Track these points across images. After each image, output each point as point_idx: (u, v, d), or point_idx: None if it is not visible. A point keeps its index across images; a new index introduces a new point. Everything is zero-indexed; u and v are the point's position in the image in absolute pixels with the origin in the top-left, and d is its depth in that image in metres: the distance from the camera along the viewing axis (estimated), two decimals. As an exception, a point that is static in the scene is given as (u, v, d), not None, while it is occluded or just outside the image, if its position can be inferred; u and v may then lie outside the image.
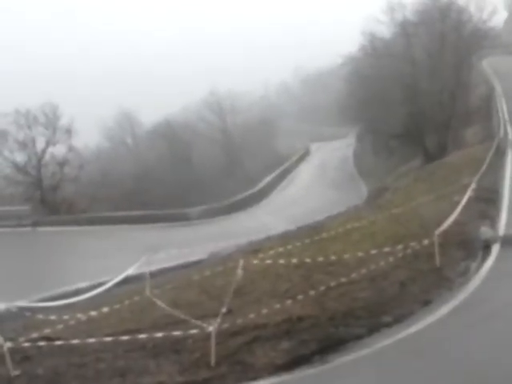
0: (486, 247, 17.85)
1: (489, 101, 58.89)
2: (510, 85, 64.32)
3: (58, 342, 13.06)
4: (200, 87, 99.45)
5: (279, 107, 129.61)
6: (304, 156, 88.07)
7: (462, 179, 25.08)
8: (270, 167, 72.26)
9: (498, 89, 63.48)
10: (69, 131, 55.67)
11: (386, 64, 52.36)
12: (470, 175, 25.30)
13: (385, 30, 56.65)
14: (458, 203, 19.84)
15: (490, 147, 34.77)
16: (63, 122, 55.72)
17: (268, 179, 65.06)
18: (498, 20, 72.58)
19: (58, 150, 55.77)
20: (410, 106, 48.83)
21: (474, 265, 16.53)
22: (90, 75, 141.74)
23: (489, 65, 77.90)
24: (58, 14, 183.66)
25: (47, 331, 13.92)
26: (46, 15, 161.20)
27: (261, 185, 61.97)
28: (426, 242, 16.44)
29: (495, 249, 17.73)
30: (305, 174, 73.99)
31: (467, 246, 17.62)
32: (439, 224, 17.46)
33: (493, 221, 20.96)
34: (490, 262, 16.79)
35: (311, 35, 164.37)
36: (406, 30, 53.05)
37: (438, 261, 16.07)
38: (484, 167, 28.16)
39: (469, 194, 21.36)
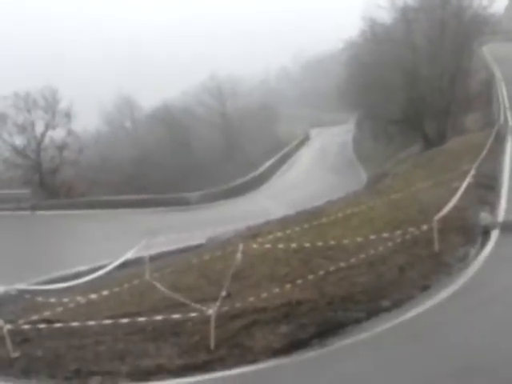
0: (486, 233, 17.87)
1: (489, 87, 58.74)
2: (510, 71, 64.15)
3: (58, 325, 13.12)
4: (200, 72, 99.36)
5: (279, 92, 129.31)
6: (304, 141, 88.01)
7: (462, 165, 25.05)
8: (270, 152, 72.23)
9: (498, 75, 63.27)
10: (68, 115, 55.55)
11: (386, 49, 52.18)
12: (470, 161, 25.27)
13: (385, 16, 56.46)
14: (457, 189, 19.84)
15: (489, 134, 34.70)
16: (62, 105, 55.62)
17: (268, 164, 65.08)
18: (499, 6, 72.25)
19: (58, 134, 55.72)
20: (410, 91, 48.71)
21: (473, 250, 16.57)
22: (89, 59, 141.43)
23: (489, 51, 77.62)
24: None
25: (47, 314, 13.99)
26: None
27: (260, 169, 61.98)
28: (424, 227, 16.48)
29: (494, 234, 17.75)
30: (304, 159, 73.96)
31: (466, 232, 17.65)
32: (438, 210, 17.48)
33: (492, 207, 20.95)
34: (489, 247, 16.82)
35: (311, 20, 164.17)
36: (406, 15, 52.83)
37: (436, 246, 16.10)
38: (484, 153, 28.12)
39: (468, 180, 21.35)
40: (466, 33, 50.24)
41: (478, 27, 53.26)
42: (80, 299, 15.17)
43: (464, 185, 20.40)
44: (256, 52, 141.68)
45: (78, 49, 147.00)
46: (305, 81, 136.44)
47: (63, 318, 13.66)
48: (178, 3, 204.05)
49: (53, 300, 15.19)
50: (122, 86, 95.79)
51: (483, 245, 17.05)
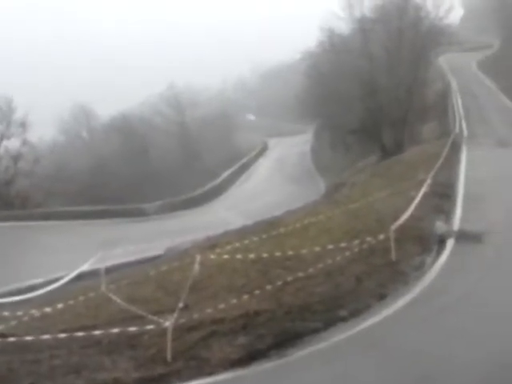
0: (441, 242, 18.09)
1: (445, 97, 59.77)
2: (465, 81, 65.54)
3: (11, 339, 12.84)
4: (158, 82, 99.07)
5: (237, 102, 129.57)
6: (262, 151, 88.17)
7: (418, 175, 25.37)
8: (229, 162, 72.21)
9: (454, 85, 64.50)
10: (23, 124, 54.76)
11: (344, 60, 52.56)
12: (426, 171, 25.60)
13: (343, 26, 56.91)
14: (413, 198, 20.08)
15: (445, 143, 35.24)
16: (18, 115, 54.83)
17: (226, 174, 65.02)
18: (455, 17, 73.76)
19: (12, 144, 54.85)
20: (368, 101, 49.09)
21: (429, 259, 16.75)
22: (45, 67, 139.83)
23: (445, 61, 79.06)
24: (17, 4, 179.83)
25: (0, 328, 13.70)
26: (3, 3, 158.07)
27: (219, 179, 61.90)
28: (381, 236, 16.60)
29: (450, 243, 17.97)
30: (263, 169, 74.07)
31: (422, 241, 17.83)
32: (395, 219, 17.65)
33: (448, 216, 21.23)
34: (444, 256, 17.02)
35: (270, 31, 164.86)
36: (364, 26, 53.29)
37: (393, 255, 16.22)
38: (440, 163, 28.52)
39: (424, 189, 21.64)
40: (422, 43, 50.85)
41: (435, 38, 53.98)
42: (34, 312, 14.88)
43: (420, 194, 20.66)
44: (213, 63, 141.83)
45: (34, 57, 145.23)
46: (263, 91, 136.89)
47: (17, 332, 13.40)
48: (138, 14, 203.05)
49: (6, 313, 14.90)
50: (79, 95, 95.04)
51: (439, 253, 17.25)
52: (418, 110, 51.02)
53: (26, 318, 14.50)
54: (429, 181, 23.01)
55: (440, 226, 19.21)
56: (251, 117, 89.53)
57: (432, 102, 56.31)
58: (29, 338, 12.67)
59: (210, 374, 11.22)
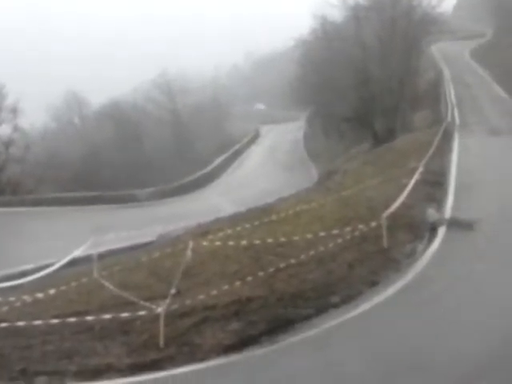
0: (433, 229, 18.15)
1: (437, 86, 59.78)
2: (457, 70, 65.57)
3: (3, 325, 12.83)
4: (150, 70, 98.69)
5: (230, 89, 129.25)
6: (255, 138, 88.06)
7: (410, 162, 25.41)
8: (221, 149, 72.08)
9: (446, 74, 64.52)
10: (14, 110, 54.50)
11: (337, 48, 52.53)
12: (418, 159, 25.65)
13: (336, 14, 56.83)
14: (405, 186, 20.13)
15: (437, 131, 35.28)
16: (9, 101, 54.55)
17: (218, 161, 64.88)
18: (448, 6, 73.66)
19: (3, 130, 54.58)
20: (361, 89, 49.06)
21: (420, 247, 16.82)
22: (38, 53, 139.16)
23: (437, 50, 79.06)
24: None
25: (-8, 313, 13.70)
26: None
27: (211, 166, 61.76)
28: (373, 224, 16.65)
29: (441, 231, 18.03)
30: (255, 156, 73.96)
31: (414, 229, 17.90)
32: (387, 207, 17.71)
33: (439, 204, 21.29)
34: (436, 243, 17.09)
35: (263, 18, 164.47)
36: (357, 13, 53.21)
37: (385, 243, 16.29)
38: (431, 151, 28.56)
39: (416, 177, 21.68)
40: (415, 32, 50.82)
41: (427, 26, 53.92)
42: (26, 298, 14.88)
43: (412, 182, 20.71)
44: (207, 50, 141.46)
45: (25, 43, 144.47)
46: (256, 78, 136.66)
47: (9, 318, 13.37)
48: (131, 2, 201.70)
49: (-2, 299, 14.92)
50: (71, 82, 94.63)
51: (430, 241, 17.32)
52: (410, 99, 51.07)
53: (17, 304, 14.50)
54: (421, 169, 23.08)
55: (432, 213, 19.25)
56: (261, 106, 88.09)
57: (424, 91, 56.36)
58: (21, 324, 12.67)
59: (203, 359, 11.28)
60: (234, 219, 23.60)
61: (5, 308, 14.21)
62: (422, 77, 57.46)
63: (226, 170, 64.16)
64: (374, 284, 14.13)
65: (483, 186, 23.31)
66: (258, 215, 22.14)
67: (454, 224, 18.40)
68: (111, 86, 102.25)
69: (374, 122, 50.55)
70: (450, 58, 74.75)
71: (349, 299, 13.31)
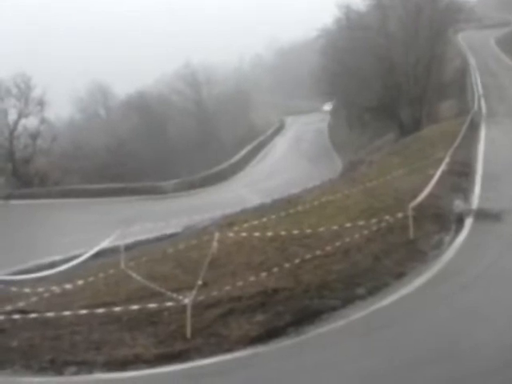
0: (460, 220, 18.01)
1: (463, 75, 59.15)
2: (483, 59, 64.77)
3: (33, 315, 13.00)
4: (174, 60, 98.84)
5: (254, 79, 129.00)
6: (279, 129, 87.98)
7: (437, 153, 25.18)
8: (245, 139, 72.10)
9: (473, 63, 63.78)
10: (41, 103, 54.92)
11: (360, 37, 52.14)
12: (444, 149, 25.42)
13: (360, 3, 56.51)
14: (431, 177, 19.96)
15: (464, 121, 34.95)
16: (36, 93, 54.96)
17: (243, 152, 64.93)
18: (473, -6, 72.81)
19: (31, 122, 55.06)
20: (385, 79, 48.77)
21: (447, 238, 16.70)
22: (63, 46, 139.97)
23: (464, 39, 78.19)
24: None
25: (21, 304, 13.88)
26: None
27: (236, 158, 61.83)
28: (399, 215, 16.58)
29: (468, 222, 17.88)
30: (280, 146, 73.94)
31: (441, 220, 17.79)
32: (413, 197, 17.59)
33: (466, 194, 21.12)
34: (463, 235, 16.94)
35: (286, 8, 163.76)
36: (381, 2, 52.87)
37: (411, 234, 16.21)
38: (458, 141, 28.33)
39: (443, 167, 21.49)
40: (440, 20, 50.30)
41: (453, 15, 53.36)
42: (55, 289, 15.06)
43: (439, 172, 20.53)
44: (230, 40, 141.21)
45: (52, 37, 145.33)
46: (279, 68, 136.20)
47: (38, 309, 13.55)
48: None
49: (27, 290, 15.07)
50: (96, 74, 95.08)
51: (457, 232, 17.17)
52: (436, 88, 50.59)
53: (46, 295, 14.68)
54: (447, 159, 22.87)
55: (458, 204, 19.15)
56: (327, 107, 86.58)
57: (450, 80, 55.74)
58: (50, 315, 12.83)
59: (229, 350, 11.33)
60: (260, 210, 23.65)
61: (34, 299, 14.39)
62: (448, 66, 56.87)
63: (251, 161, 64.21)
64: (400, 275, 14.07)
65: (510, 176, 23.08)
66: (284, 206, 22.16)
67: (481, 215, 18.25)
68: (136, 77, 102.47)
69: (399, 111, 50.20)
70: (476, 47, 73.84)
71: (375, 291, 13.28)
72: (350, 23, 56.42)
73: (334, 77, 54.96)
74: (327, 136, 77.40)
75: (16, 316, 13.07)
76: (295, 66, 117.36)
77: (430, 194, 18.51)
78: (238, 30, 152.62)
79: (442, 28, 51.17)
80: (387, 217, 16.69)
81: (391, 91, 48.91)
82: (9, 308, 13.53)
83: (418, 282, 13.71)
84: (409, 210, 16.55)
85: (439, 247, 16.00)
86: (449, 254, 15.56)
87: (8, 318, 12.96)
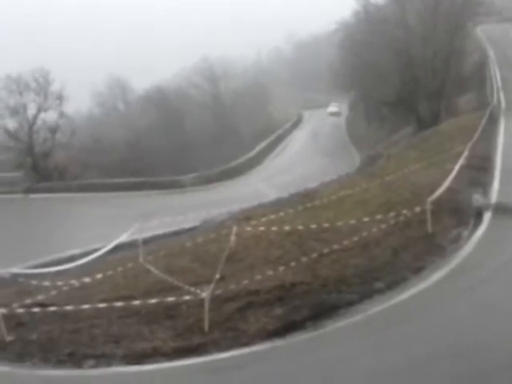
0: (478, 215, 17.91)
1: (482, 68, 58.68)
2: (503, 52, 64.12)
3: (52, 308, 13.12)
4: (192, 55, 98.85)
5: (272, 73, 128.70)
6: (297, 123, 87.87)
7: (455, 147, 25.04)
8: (263, 133, 72.05)
9: (492, 56, 63.23)
10: (60, 97, 55.16)
11: (379, 30, 51.87)
12: (463, 143, 25.28)
13: (379, -4, 56.29)
14: (450, 171, 19.86)
15: (483, 115, 34.73)
16: (54, 87, 55.20)
17: (261, 146, 64.93)
18: (493, -13, 72.04)
19: (50, 116, 55.31)
20: (403, 72, 48.49)
21: (465, 232, 16.61)
22: (81, 41, 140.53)
23: (483, 32, 77.49)
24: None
25: (41, 297, 14.00)
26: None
27: (254, 151, 61.84)
28: (418, 209, 16.52)
29: (487, 216, 17.77)
30: (298, 140, 73.86)
31: (459, 214, 17.69)
32: (431, 191, 17.51)
33: (485, 188, 20.97)
34: (481, 229, 16.85)
35: (304, 3, 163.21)
36: (399, -6, 52.56)
37: (430, 228, 16.15)
38: (477, 135, 28.15)
39: (461, 161, 21.38)
40: (459, 13, 49.89)
41: (472, 7, 52.93)
42: (74, 283, 15.19)
43: (457, 166, 20.42)
44: (249, 36, 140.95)
45: (70, 31, 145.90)
46: (297, 62, 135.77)
47: (57, 302, 13.66)
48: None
49: (46, 283, 15.21)
50: (114, 68, 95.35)
51: (476, 226, 17.08)
52: (455, 82, 50.19)
53: (65, 288, 14.81)
54: (466, 153, 22.74)
55: (477, 198, 19.02)
56: (333, 108, 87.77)
57: (469, 74, 55.32)
58: (69, 308, 12.94)
59: (247, 344, 11.37)
60: (277, 204, 23.66)
61: (53, 292, 14.52)
62: (467, 59, 56.44)
63: (269, 155, 64.19)
64: (418, 270, 14.03)
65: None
66: (301, 200, 22.16)
67: (500, 209, 18.13)
68: (154, 72, 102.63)
69: (417, 105, 49.92)
70: (496, 40, 73.15)
71: (393, 285, 13.25)
72: (369, 16, 56.12)
73: (352, 70, 54.75)
74: (345, 130, 77.18)
75: (35, 309, 13.21)
76: (313, 60, 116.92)
77: (449, 188, 18.43)
78: (256, 24, 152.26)
79: (460, 21, 50.72)
80: (405, 211, 16.64)
81: (409, 85, 48.62)
82: (28, 301, 13.66)
83: (436, 276, 13.66)
84: (427, 204, 16.48)
85: (458, 241, 15.93)
86: (467, 248, 15.48)
87: (27, 311, 13.10)
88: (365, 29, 55.35)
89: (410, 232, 16.20)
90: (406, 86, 48.68)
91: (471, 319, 11.18)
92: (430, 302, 12.34)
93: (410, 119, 51.34)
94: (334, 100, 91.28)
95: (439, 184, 18.26)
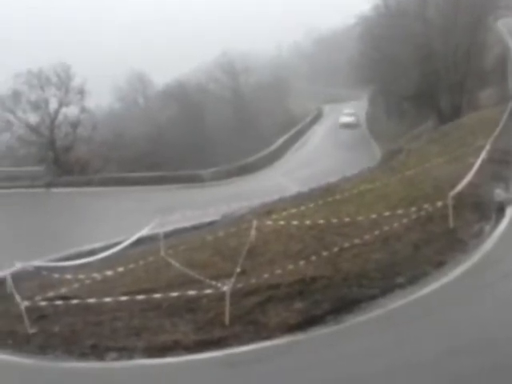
0: (500, 209, 17.77)
1: (504, 62, 58.15)
2: (525, 45, 63.46)
3: (74, 301, 13.27)
4: (212, 49, 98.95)
5: (291, 67, 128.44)
6: (317, 117, 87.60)
7: (477, 141, 24.85)
8: (283, 128, 71.86)
9: (514, 49, 62.64)
10: (81, 92, 55.31)
11: (399, 23, 51.54)
12: (485, 137, 25.06)
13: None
14: (472, 165, 19.72)
15: (504, 109, 34.44)
16: (76, 82, 55.42)
17: (281, 140, 64.79)
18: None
19: (71, 111, 55.51)
20: (424, 66, 48.11)
21: (487, 227, 16.51)
22: (102, 36, 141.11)
23: (505, 25, 76.77)
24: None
25: (63, 290, 14.16)
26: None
27: (274, 146, 61.72)
28: (439, 203, 16.43)
29: (509, 211, 17.63)
30: (318, 135, 73.64)
31: (481, 208, 17.58)
32: (453, 186, 17.41)
33: (507, 183, 20.81)
34: (503, 224, 16.74)
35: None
36: (420, -12, 52.18)
37: (451, 223, 16.07)
38: (499, 129, 27.92)
39: (483, 156, 21.22)
40: (480, 6, 49.44)
41: (493, 1, 52.43)
42: (96, 276, 15.33)
43: (479, 161, 20.28)
44: (268, 28, 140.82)
45: (90, 26, 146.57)
46: (317, 56, 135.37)
47: (79, 295, 13.81)
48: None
49: (69, 277, 15.37)
50: (135, 63, 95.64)
51: (498, 221, 16.97)
52: (476, 75, 49.76)
53: (88, 281, 14.95)
54: (488, 147, 22.56)
55: (499, 193, 18.85)
56: (347, 117, 75.97)
57: (491, 67, 54.79)
58: (91, 301, 13.06)
59: (267, 338, 11.42)
60: (298, 199, 23.63)
61: (76, 285, 14.66)
62: (488, 53, 55.93)
63: (289, 149, 64.03)
64: (440, 265, 13.97)
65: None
66: (322, 195, 22.14)
67: (523, 204, 18.01)
68: (174, 66, 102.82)
69: (438, 99, 49.58)
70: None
71: (414, 280, 13.22)
72: (388, 10, 55.84)
73: (372, 63, 54.46)
74: (365, 125, 76.82)
75: (58, 302, 13.35)
76: (333, 54, 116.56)
77: (470, 183, 18.31)
78: (275, 18, 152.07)
79: (481, 14, 50.25)
80: (426, 205, 16.57)
81: (430, 79, 48.26)
82: (51, 294, 13.81)
83: (458, 271, 13.61)
84: (448, 199, 16.39)
85: (479, 236, 15.84)
86: (489, 243, 15.39)
87: (50, 303, 13.24)
88: (384, 22, 55.04)
89: (432, 227, 16.13)
90: (426, 80, 48.33)
91: (493, 314, 11.13)
92: (451, 297, 12.30)
93: (431, 113, 51.01)
94: (353, 97, 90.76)
95: (461, 178, 18.15)
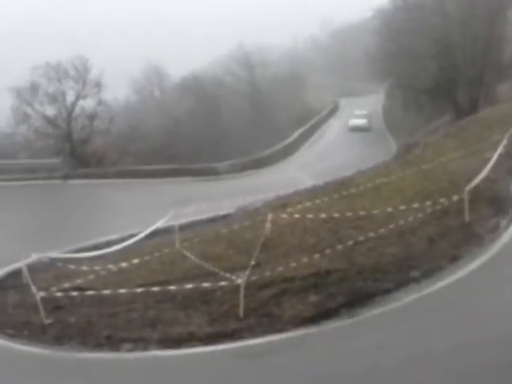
0: (517, 204, 17.67)
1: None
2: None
3: (90, 292, 13.36)
4: (228, 41, 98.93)
5: (307, 61, 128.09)
6: (333, 111, 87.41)
7: (494, 135, 24.67)
8: (299, 121, 71.79)
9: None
10: (98, 84, 55.50)
11: (416, 16, 51.15)
12: (502, 131, 24.87)
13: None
14: (488, 160, 19.60)
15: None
16: (93, 75, 55.62)
17: (297, 134, 64.71)
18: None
19: (88, 104, 55.73)
20: (441, 59, 47.82)
21: (503, 221, 16.38)
22: (118, 28, 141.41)
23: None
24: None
25: (79, 281, 14.27)
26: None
27: (290, 139, 61.66)
28: (455, 198, 16.37)
29: (526, 206, 17.54)
30: (334, 128, 73.49)
31: (497, 203, 17.48)
32: (469, 180, 17.31)
33: (524, 178, 20.66)
34: (520, 219, 16.64)
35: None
36: (437, -20, 51.80)
37: (467, 217, 16.00)
38: (516, 124, 27.70)
39: (500, 150, 21.08)
40: (499, -1, 49.06)
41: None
42: (111, 267, 15.42)
43: (496, 155, 20.15)
44: (284, 21, 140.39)
45: (106, 18, 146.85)
46: (333, 49, 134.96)
47: (95, 286, 13.90)
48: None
49: (85, 268, 15.48)
50: (151, 55, 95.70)
51: (514, 216, 16.86)
52: (495, 69, 49.40)
53: (103, 273, 15.04)
54: (505, 142, 22.40)
55: (516, 187, 18.76)
56: (359, 119, 67.77)
57: (509, 61, 54.41)
58: (106, 292, 13.15)
59: (282, 330, 11.45)
60: (313, 192, 23.59)
61: (91, 276, 14.76)
62: (507, 46, 55.53)
63: (305, 142, 63.96)
64: (455, 259, 13.92)
65: None
66: (337, 188, 22.10)
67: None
68: (190, 59, 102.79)
69: (455, 93, 49.27)
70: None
71: (430, 273, 13.18)
72: (406, 3, 55.49)
73: (389, 57, 54.17)
74: (382, 118, 76.57)
75: (74, 293, 13.45)
76: (349, 47, 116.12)
77: (487, 178, 18.21)
78: (291, 11, 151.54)
79: (500, 7, 49.84)
80: (442, 199, 16.51)
81: (447, 72, 47.97)
82: (67, 285, 13.92)
83: (473, 265, 13.55)
84: (465, 193, 16.31)
85: (495, 231, 15.74)
86: (505, 237, 15.29)
87: (66, 295, 13.35)
88: (402, 15, 54.69)
89: (447, 221, 16.07)
90: (443, 73, 48.06)
91: (508, 308, 11.07)
92: (466, 291, 12.25)
93: (448, 107, 50.72)
94: (369, 90, 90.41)
95: (477, 173, 18.05)
